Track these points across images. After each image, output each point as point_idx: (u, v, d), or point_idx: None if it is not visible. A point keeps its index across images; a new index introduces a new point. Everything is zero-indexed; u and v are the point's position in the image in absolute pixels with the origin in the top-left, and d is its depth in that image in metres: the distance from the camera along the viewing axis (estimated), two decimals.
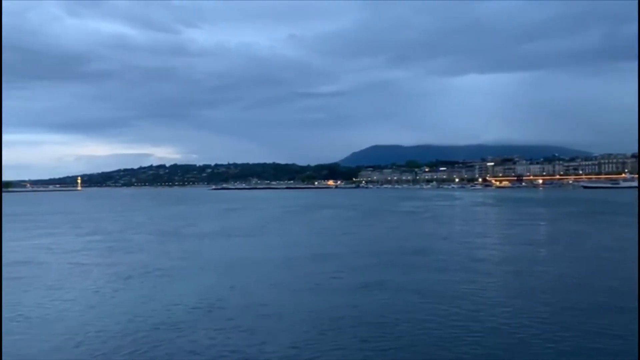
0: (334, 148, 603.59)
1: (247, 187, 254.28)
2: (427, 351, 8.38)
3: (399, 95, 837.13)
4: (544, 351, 8.27)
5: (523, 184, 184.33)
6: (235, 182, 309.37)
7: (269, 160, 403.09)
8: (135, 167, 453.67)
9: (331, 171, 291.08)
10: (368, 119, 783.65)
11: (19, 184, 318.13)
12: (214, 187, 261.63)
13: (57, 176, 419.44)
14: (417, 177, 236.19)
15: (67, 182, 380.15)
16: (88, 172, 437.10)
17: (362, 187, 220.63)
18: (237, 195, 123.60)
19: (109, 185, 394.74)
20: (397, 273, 15.19)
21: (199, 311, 10.95)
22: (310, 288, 13.34)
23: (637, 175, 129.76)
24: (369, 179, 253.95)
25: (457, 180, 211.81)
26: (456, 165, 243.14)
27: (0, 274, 14.23)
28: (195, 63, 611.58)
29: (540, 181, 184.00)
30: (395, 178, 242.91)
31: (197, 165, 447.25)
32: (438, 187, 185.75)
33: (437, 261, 17.41)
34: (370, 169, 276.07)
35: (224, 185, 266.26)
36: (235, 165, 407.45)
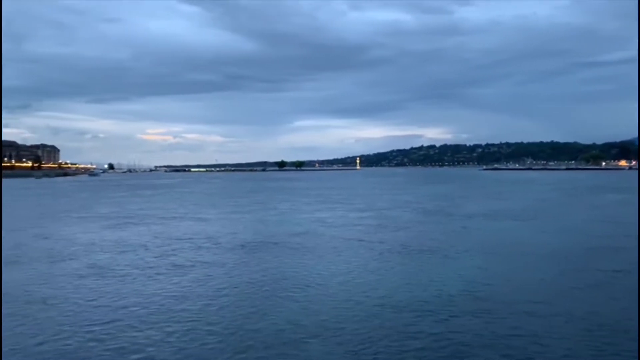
0: (627, 124, 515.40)
1: (520, 167, 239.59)
2: None
3: None
4: None
5: None
6: (508, 162, 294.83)
7: (545, 139, 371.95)
8: (407, 147, 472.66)
9: (623, 150, 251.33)
10: None
11: (310, 163, 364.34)
12: (484, 167, 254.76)
13: (339, 157, 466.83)
14: None
15: (347, 162, 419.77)
16: (365, 152, 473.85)
17: None
18: (509, 176, 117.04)
19: (383, 165, 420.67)
20: None
21: (460, 298, 10.29)
22: (591, 286, 11.33)
23: None
24: None
25: None
26: None
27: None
28: (466, 42, 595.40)
29: None
30: None
31: (467, 145, 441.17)
32: None
33: None
34: None
35: (495, 166, 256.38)
36: (508, 144, 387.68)
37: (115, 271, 13.14)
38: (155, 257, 15.20)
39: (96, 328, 8.44)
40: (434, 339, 7.98)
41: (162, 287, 11.39)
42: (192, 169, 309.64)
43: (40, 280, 12.15)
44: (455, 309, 9.56)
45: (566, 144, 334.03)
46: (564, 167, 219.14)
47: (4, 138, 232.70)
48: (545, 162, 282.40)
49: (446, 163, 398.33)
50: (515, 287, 11.34)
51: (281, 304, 9.92)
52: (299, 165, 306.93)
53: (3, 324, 8.66)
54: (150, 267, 13.62)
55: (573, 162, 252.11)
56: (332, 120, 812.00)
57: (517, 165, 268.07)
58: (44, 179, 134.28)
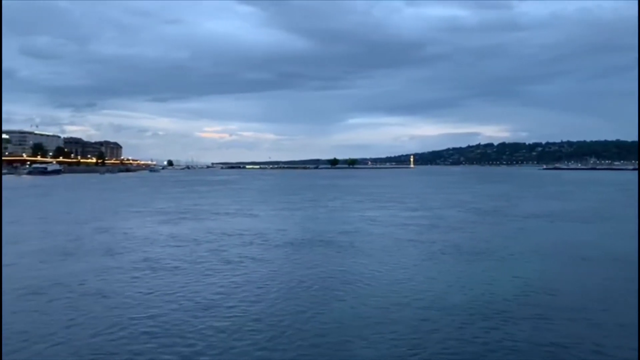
0: None
1: (583, 167, 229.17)
2: None
3: None
4: None
5: None
6: (569, 161, 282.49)
7: (610, 137, 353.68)
8: (464, 145, 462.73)
9: None
10: None
11: (362, 161, 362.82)
12: (544, 166, 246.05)
13: (392, 155, 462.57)
14: None
15: (401, 160, 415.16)
16: (420, 151, 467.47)
17: None
18: (571, 176, 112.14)
19: (438, 164, 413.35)
20: None
21: (514, 303, 9.77)
22: None
23: None
24: None
25: None
26: None
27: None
28: (527, 37, 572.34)
29: None
30: None
31: (526, 143, 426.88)
32: None
33: None
34: None
35: (556, 165, 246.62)
36: (570, 143, 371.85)
37: (167, 265, 13.43)
38: (206, 252, 15.45)
39: (146, 321, 8.60)
40: (485, 345, 7.62)
41: (211, 282, 11.52)
42: (247, 166, 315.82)
43: (95, 272, 12.56)
44: (509, 314, 9.11)
45: (633, 143, 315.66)
46: (631, 167, 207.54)
47: (71, 135, 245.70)
48: (610, 161, 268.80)
49: (504, 162, 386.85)
50: (575, 293, 10.71)
51: (329, 303, 9.80)
52: (351, 163, 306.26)
53: (61, 314, 9.01)
54: (201, 262, 13.83)
55: None
56: (386, 117, 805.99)
57: (579, 164, 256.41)
58: (107, 175, 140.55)
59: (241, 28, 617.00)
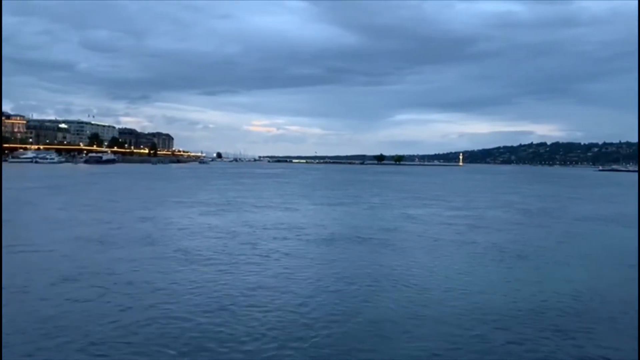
0: None
1: None
2: None
3: None
4: None
5: None
6: (628, 163, 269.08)
7: None
8: (515, 144, 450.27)
9: None
10: None
11: (410, 158, 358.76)
12: (600, 168, 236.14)
13: (441, 152, 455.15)
14: None
15: (449, 158, 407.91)
16: (469, 148, 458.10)
17: None
18: (629, 178, 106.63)
19: (488, 162, 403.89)
20: None
21: (556, 312, 9.18)
22: None
23: None
24: None
25: None
26: None
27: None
28: (585, 33, 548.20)
29: None
30: None
31: (582, 143, 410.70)
32: None
33: None
34: None
35: (613, 167, 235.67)
36: (629, 144, 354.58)
37: (203, 257, 13.46)
38: (243, 245, 15.47)
39: (174, 313, 8.59)
40: (522, 355, 7.17)
41: (244, 276, 11.45)
42: (294, 160, 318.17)
43: (131, 261, 12.74)
44: (551, 323, 8.57)
45: None
46: None
47: (125, 126, 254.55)
48: None
49: (557, 162, 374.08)
50: (625, 303, 9.97)
51: (362, 303, 9.51)
52: (398, 159, 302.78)
53: (89, 302, 9.13)
54: (236, 255, 13.80)
55: None
56: (435, 114, 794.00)
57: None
58: (159, 165, 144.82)
59: (291, 23, 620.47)
